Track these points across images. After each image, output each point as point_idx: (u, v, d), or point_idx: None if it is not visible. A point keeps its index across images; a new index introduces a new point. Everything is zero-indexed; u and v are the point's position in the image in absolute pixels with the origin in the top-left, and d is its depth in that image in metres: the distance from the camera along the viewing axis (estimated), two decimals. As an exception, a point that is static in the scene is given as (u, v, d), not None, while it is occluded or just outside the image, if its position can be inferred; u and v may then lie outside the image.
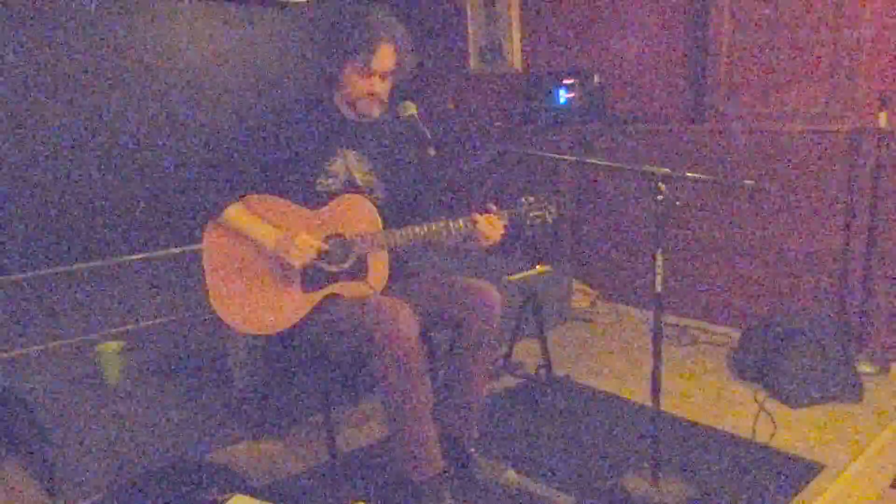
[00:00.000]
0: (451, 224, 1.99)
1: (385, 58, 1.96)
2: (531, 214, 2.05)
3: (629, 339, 3.36)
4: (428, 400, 1.89)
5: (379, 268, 2.03)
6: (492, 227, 1.99)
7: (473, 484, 2.09)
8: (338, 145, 2.06)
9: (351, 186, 2.06)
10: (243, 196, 1.97)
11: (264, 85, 4.12)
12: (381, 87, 2.01)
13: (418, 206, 2.22)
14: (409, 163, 2.20)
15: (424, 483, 1.92)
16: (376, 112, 2.05)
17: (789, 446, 2.30)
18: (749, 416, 2.48)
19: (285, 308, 1.97)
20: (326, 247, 1.96)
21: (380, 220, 2.02)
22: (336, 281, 2.00)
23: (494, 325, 2.03)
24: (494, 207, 2.03)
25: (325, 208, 2.01)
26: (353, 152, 2.08)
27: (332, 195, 2.02)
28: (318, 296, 1.99)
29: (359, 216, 2.01)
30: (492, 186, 4.14)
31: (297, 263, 1.91)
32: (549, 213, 2.06)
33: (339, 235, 1.99)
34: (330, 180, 2.04)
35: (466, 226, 1.99)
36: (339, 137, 2.07)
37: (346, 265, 2.00)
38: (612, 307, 3.78)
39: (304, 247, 1.90)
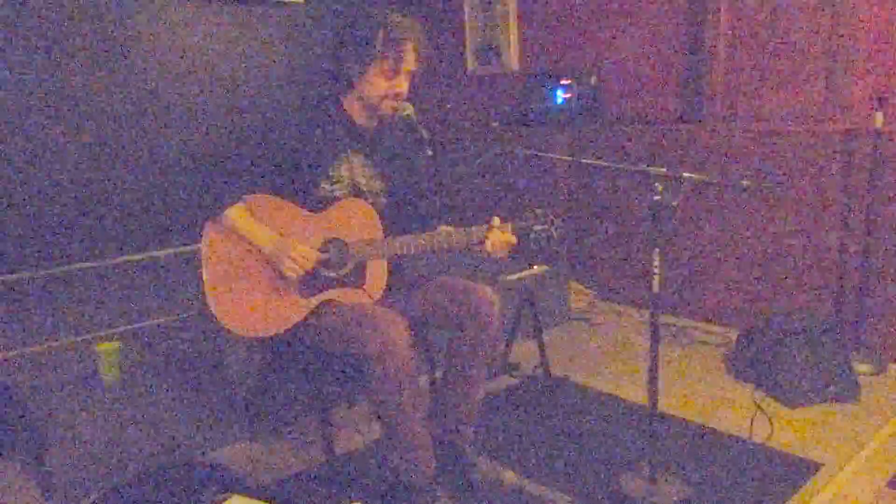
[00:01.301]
0: (453, 236, 1.97)
1: (411, 57, 1.96)
2: (536, 228, 2.02)
3: (627, 339, 3.36)
4: (419, 406, 1.89)
5: (377, 275, 2.02)
6: (500, 243, 1.97)
7: (471, 484, 2.09)
8: (344, 150, 2.03)
9: (355, 192, 2.04)
10: (244, 196, 1.94)
11: (263, 84, 4.11)
12: (406, 87, 2.00)
13: (422, 213, 2.20)
14: (414, 169, 2.18)
15: (419, 484, 1.92)
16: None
17: (786, 446, 2.31)
18: (746, 415, 2.48)
19: (281, 312, 1.96)
20: (324, 256, 1.94)
21: (380, 226, 2.01)
22: (334, 286, 1.99)
23: (492, 327, 2.02)
24: (498, 220, 2.00)
25: (326, 212, 1.99)
26: (359, 157, 2.06)
27: (335, 200, 2.00)
28: (314, 301, 1.97)
29: (359, 222, 2.00)
30: (489, 187, 4.14)
31: (292, 275, 1.90)
32: (555, 229, 2.03)
33: (339, 240, 1.98)
34: (334, 185, 2.02)
35: (478, 233, 1.98)
36: (346, 142, 2.04)
37: (344, 271, 1.99)
38: (609, 307, 3.78)
39: (299, 258, 1.89)
